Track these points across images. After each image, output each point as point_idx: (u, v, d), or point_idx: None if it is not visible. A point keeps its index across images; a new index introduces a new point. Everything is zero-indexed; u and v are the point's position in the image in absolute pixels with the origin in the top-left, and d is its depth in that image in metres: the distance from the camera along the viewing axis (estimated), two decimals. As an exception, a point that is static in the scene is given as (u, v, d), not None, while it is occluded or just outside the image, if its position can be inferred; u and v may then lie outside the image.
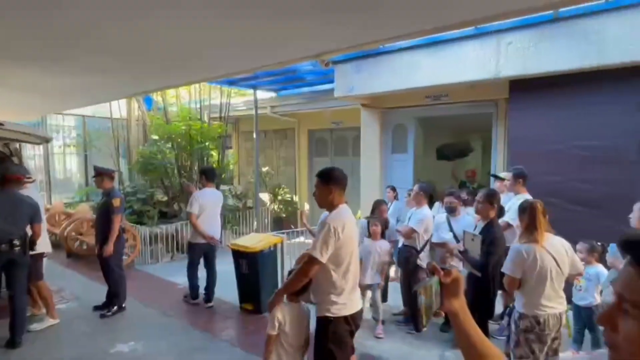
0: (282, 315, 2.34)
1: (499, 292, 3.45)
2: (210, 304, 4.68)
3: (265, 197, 9.30)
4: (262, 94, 8.20)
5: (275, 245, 4.72)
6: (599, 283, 3.09)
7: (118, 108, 9.14)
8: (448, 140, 9.82)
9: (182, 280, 5.57)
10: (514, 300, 2.65)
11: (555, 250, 2.45)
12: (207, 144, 7.87)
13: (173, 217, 8.00)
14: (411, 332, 3.87)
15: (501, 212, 3.11)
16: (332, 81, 6.18)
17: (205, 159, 8.16)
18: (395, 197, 5.52)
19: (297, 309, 2.42)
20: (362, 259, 3.73)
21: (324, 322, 2.25)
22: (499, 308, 3.76)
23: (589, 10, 3.84)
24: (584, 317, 3.21)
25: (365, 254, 3.93)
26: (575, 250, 2.98)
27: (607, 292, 2.86)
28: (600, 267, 3.14)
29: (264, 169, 9.72)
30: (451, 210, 3.80)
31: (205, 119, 8.58)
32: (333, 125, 8.61)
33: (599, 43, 3.86)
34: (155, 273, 6.06)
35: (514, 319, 2.55)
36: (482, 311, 2.92)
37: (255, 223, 8.25)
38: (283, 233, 5.69)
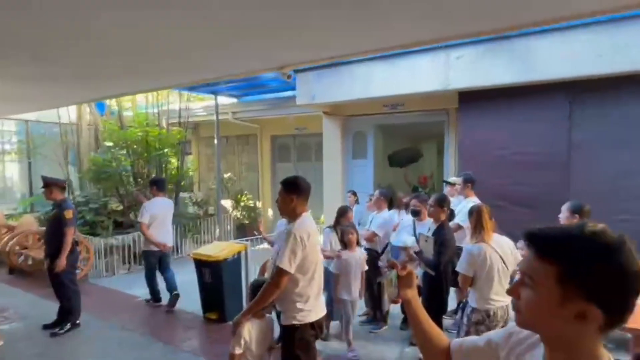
0: (248, 334, 2.33)
1: (453, 289, 3.71)
2: (176, 292, 4.82)
3: (227, 203, 9.18)
4: (223, 100, 8.13)
5: (239, 253, 4.71)
6: None
7: (67, 112, 8.61)
8: (406, 146, 10.28)
9: (141, 291, 5.40)
10: (466, 296, 2.89)
11: (501, 249, 2.72)
12: (165, 150, 7.65)
13: (129, 227, 7.66)
14: (374, 332, 4.04)
15: (452, 215, 3.36)
16: (294, 88, 6.30)
17: (163, 166, 7.91)
18: (357, 202, 5.72)
19: (263, 323, 2.44)
20: (341, 273, 3.61)
21: (290, 330, 2.28)
22: (453, 304, 4.03)
23: (525, 31, 4.27)
24: None
25: (345, 267, 3.64)
26: (517, 248, 3.32)
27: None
28: None
29: (226, 175, 9.59)
30: (416, 214, 3.82)
31: (164, 124, 8.33)
32: (296, 131, 8.71)
33: (532, 61, 4.31)
34: (111, 286, 5.79)
35: (466, 313, 2.78)
36: (436, 307, 3.13)
37: (217, 231, 8.12)
38: (247, 240, 5.68)
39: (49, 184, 4.11)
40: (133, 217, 7.98)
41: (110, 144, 7.80)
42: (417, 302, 1.14)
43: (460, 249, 3.45)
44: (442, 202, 3.20)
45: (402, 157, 6.49)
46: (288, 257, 2.19)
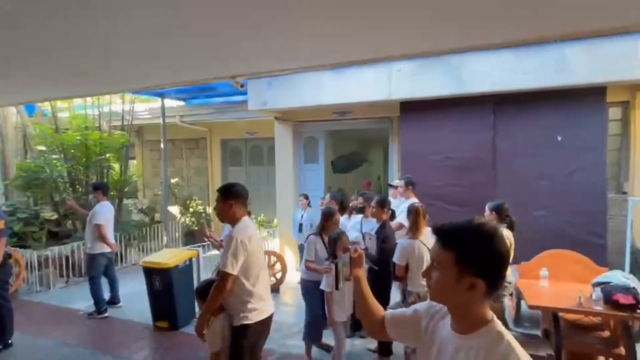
0: (222, 330, 2.40)
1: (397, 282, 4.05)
2: (119, 305, 5.03)
3: (175, 210, 8.89)
4: (170, 102, 7.89)
5: (190, 260, 4.66)
6: None
7: (-11, 113, 7.81)
8: (355, 150, 10.72)
9: (83, 304, 5.11)
10: (407, 284, 3.24)
11: (429, 242, 3.08)
12: (107, 155, 7.25)
13: (66, 237, 7.14)
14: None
15: (392, 215, 3.69)
16: (245, 92, 6.33)
17: (105, 171, 7.49)
18: (309, 205, 5.91)
19: (227, 317, 2.51)
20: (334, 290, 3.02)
21: (242, 329, 2.36)
22: (396, 297, 4.37)
23: (456, 49, 4.77)
24: None
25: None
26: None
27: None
28: None
29: (173, 180, 9.29)
30: (360, 211, 4.13)
31: (105, 127, 7.88)
32: (247, 136, 8.70)
33: (460, 76, 4.82)
34: (47, 301, 5.37)
35: (406, 296, 3.20)
36: (380, 298, 3.44)
37: (165, 238, 7.84)
38: (198, 246, 5.61)
39: None
40: (70, 226, 7.45)
41: (44, 148, 7.22)
42: (365, 280, 1.38)
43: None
44: (383, 203, 3.53)
45: (345, 163, 6.62)
46: (230, 261, 2.28)
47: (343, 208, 4.64)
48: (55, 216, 7.29)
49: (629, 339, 2.91)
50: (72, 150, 7.00)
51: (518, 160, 5.05)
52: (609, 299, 2.85)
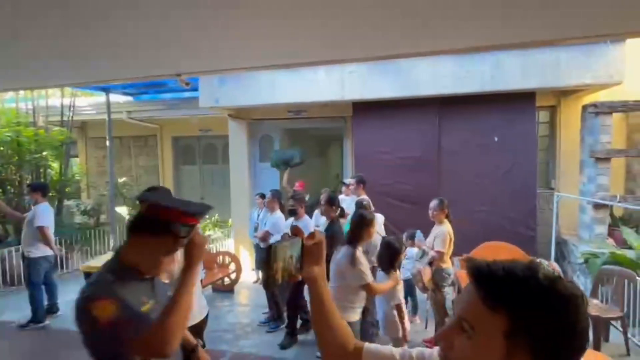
0: None
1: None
2: (59, 313, 4.77)
3: (123, 211, 8.44)
4: (116, 97, 7.47)
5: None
6: (414, 261, 4.09)
7: None
8: (312, 149, 10.79)
9: (16, 315, 4.72)
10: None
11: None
12: (44, 153, 6.71)
13: (-4, 242, 6.54)
14: (272, 331, 4.20)
15: (342, 212, 3.79)
16: (196, 89, 6.15)
17: (41, 170, 6.93)
18: (265, 204, 5.88)
19: None
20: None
21: None
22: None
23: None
24: (405, 287, 4.17)
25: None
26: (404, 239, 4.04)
27: (413, 266, 3.85)
28: (414, 249, 4.16)
29: (121, 180, 8.80)
30: (292, 213, 4.00)
31: (41, 123, 7.28)
32: (200, 133, 8.45)
33: (408, 80, 5.06)
34: (-27, 314, 4.90)
35: None
36: None
37: (112, 241, 7.43)
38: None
39: None
40: (1, 231, 6.83)
41: (-34, 145, 6.53)
42: (324, 281, 0.92)
43: None
44: (332, 201, 3.62)
45: (279, 159, 6.05)
46: None
47: (282, 207, 4.71)
48: (-18, 220, 6.64)
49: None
50: (1, 148, 6.40)
51: (460, 159, 5.40)
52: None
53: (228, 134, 6.94)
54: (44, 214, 4.58)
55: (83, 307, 1.14)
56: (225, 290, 5.55)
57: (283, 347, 3.80)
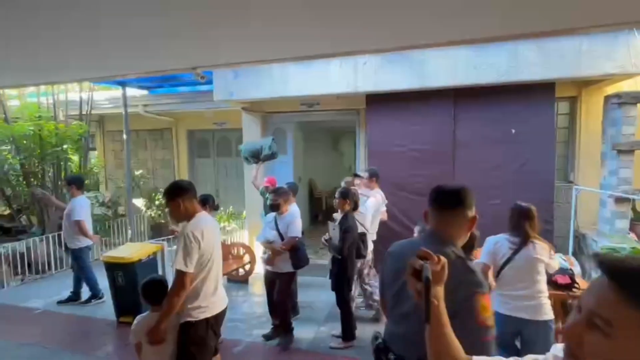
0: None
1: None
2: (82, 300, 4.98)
3: (140, 203, 8.63)
4: (133, 91, 7.58)
5: (154, 254, 4.59)
6: None
7: None
8: (325, 142, 10.79)
9: (39, 303, 4.93)
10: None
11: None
12: (64, 147, 6.90)
13: (21, 232, 6.79)
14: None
15: (355, 206, 3.78)
16: (211, 82, 6.20)
17: (62, 164, 7.13)
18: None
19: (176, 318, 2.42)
20: None
21: (185, 327, 2.30)
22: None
23: (418, 44, 4.91)
24: None
25: None
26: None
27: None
28: None
29: (137, 173, 8.98)
30: (275, 208, 3.80)
31: (61, 117, 7.47)
32: (215, 126, 8.53)
33: (422, 70, 4.97)
34: (2, 300, 5.12)
35: None
36: (344, 284, 3.61)
37: (129, 232, 7.62)
38: (163, 240, 5.52)
39: None
40: (25, 222, 7.09)
41: (-9, 139, 6.77)
42: (443, 303, 0.95)
43: (364, 235, 3.92)
44: (346, 195, 3.62)
45: (247, 151, 5.42)
46: (182, 258, 2.21)
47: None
48: (7, 211, 6.90)
49: (567, 314, 3.19)
50: (25, 142, 6.60)
51: (476, 151, 5.30)
52: (549, 280, 3.10)
53: (242, 127, 6.99)
54: (80, 208, 4.81)
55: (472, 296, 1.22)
56: (240, 280, 5.65)
57: (284, 347, 3.65)
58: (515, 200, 5.10)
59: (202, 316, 2.31)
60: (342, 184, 4.74)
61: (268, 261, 3.78)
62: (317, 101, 6.17)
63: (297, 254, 3.70)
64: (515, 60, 4.66)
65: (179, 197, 2.36)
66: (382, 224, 4.82)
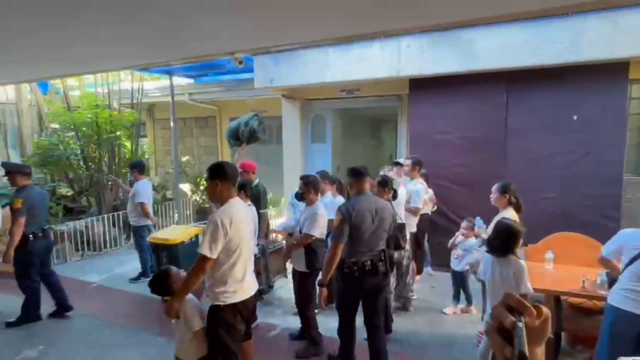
0: (194, 308, 2.40)
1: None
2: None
3: (186, 187, 9.03)
4: (179, 80, 7.88)
5: (196, 236, 4.76)
6: (471, 254, 3.83)
7: (4, 91, 7.96)
8: (364, 130, 10.55)
9: (95, 278, 5.34)
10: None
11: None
12: (118, 133, 7.34)
13: (81, 212, 7.38)
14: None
15: (394, 195, 3.62)
16: (252, 70, 6.25)
17: (116, 149, 7.61)
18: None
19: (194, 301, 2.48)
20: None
21: (214, 310, 2.32)
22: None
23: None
24: (458, 279, 3.96)
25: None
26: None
27: (471, 257, 3.59)
28: (473, 240, 3.88)
29: (184, 159, 9.39)
30: (299, 197, 3.52)
31: (115, 105, 7.95)
32: (255, 114, 8.65)
33: (471, 52, 4.61)
34: (64, 273, 5.57)
35: None
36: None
37: (176, 215, 8.01)
38: (205, 223, 5.70)
39: (12, 171, 3.85)
40: (85, 203, 7.68)
41: (57, 126, 7.36)
42: None
43: (402, 226, 3.76)
44: (385, 183, 3.47)
45: (228, 133, 5.01)
46: (208, 243, 2.22)
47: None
48: (70, 192, 7.51)
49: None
50: (84, 128, 7.11)
51: (530, 140, 4.88)
52: (612, 284, 2.78)
53: (281, 115, 7.01)
54: (143, 192, 5.13)
55: None
56: (277, 266, 5.72)
57: (298, 355, 3.33)
58: (575, 194, 4.69)
59: (230, 301, 2.33)
60: (381, 173, 4.60)
61: (284, 253, 3.66)
62: (357, 87, 6.00)
63: (311, 254, 3.28)
64: (581, 37, 4.17)
65: (218, 178, 2.38)
66: (425, 217, 4.63)
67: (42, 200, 4.03)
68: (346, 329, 2.91)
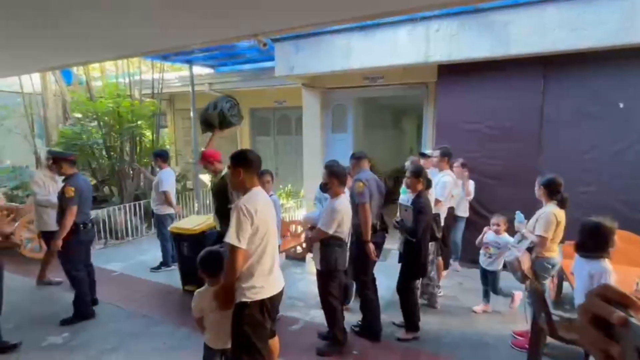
0: (202, 298, 2.37)
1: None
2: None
3: (206, 178, 9.04)
4: (199, 70, 7.82)
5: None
6: (504, 252, 3.57)
7: (30, 81, 8.09)
8: (386, 119, 10.29)
9: (117, 266, 5.38)
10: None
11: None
12: (139, 123, 7.37)
13: (103, 201, 7.48)
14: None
15: (429, 185, 3.43)
16: (272, 58, 6.11)
17: (137, 139, 7.65)
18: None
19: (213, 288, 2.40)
20: None
21: (240, 307, 2.20)
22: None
23: (499, 4, 4.24)
24: (490, 279, 3.73)
25: None
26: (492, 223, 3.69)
27: (511, 253, 3.34)
28: (507, 237, 3.64)
29: (204, 149, 9.38)
30: (323, 188, 3.26)
31: (136, 95, 7.98)
32: (276, 104, 8.54)
33: (505, 35, 4.31)
34: (87, 261, 5.69)
35: None
36: (416, 270, 3.33)
37: (196, 205, 8.03)
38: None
39: (57, 159, 3.83)
40: (107, 192, 7.78)
41: (79, 115, 7.44)
42: None
43: (437, 216, 3.58)
44: (419, 173, 3.28)
45: (200, 118, 4.32)
46: (235, 232, 2.09)
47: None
48: (93, 181, 7.61)
49: None
50: (106, 118, 7.16)
51: (568, 130, 4.57)
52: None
53: (301, 105, 6.87)
54: (167, 180, 5.18)
55: None
56: (297, 258, 5.64)
57: (320, 352, 3.20)
58: (616, 187, 4.37)
59: (257, 297, 2.20)
60: (407, 164, 4.40)
61: (306, 246, 3.55)
62: (380, 75, 5.78)
63: (326, 252, 3.04)
64: (630, 18, 3.82)
65: (241, 166, 2.28)
66: (451, 211, 4.42)
67: (88, 189, 3.97)
68: (372, 289, 3.40)
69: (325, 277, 3.13)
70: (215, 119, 3.94)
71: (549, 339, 2.84)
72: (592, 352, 0.56)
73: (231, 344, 2.27)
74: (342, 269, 3.14)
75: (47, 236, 4.15)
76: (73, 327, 3.71)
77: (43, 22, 2.59)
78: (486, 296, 3.86)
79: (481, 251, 3.76)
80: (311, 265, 5.49)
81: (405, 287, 3.35)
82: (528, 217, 3.35)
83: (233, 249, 2.12)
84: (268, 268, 2.25)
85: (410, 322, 3.39)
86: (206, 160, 3.91)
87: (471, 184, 4.76)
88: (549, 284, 3.86)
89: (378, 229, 3.44)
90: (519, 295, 3.76)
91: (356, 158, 3.71)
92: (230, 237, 2.11)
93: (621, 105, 4.26)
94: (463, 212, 4.81)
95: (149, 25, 2.84)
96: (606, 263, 2.50)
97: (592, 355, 0.56)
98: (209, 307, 2.34)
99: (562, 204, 3.14)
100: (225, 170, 3.77)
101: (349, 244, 3.22)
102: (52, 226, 4.02)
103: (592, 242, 2.50)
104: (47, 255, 4.65)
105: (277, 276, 2.36)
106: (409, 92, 6.06)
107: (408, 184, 3.33)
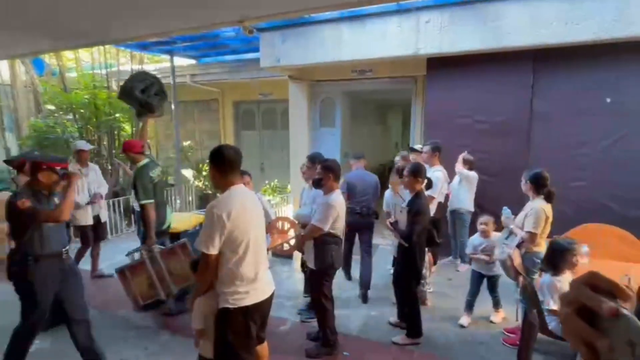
0: (205, 307, 2.18)
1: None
2: None
3: (188, 173, 8.77)
4: (180, 61, 7.51)
5: (200, 225, 4.50)
6: (501, 245, 3.46)
7: (-2, 71, 7.63)
8: (373, 115, 10.20)
9: (100, 264, 5.11)
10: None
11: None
12: (117, 116, 7.03)
13: (81, 198, 7.12)
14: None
15: (429, 184, 3.30)
16: (257, 49, 5.90)
17: (116, 132, 7.31)
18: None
19: (214, 295, 2.22)
20: None
21: (223, 313, 2.07)
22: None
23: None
24: (489, 285, 3.56)
25: None
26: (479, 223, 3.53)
27: (502, 251, 3.28)
28: (496, 234, 3.55)
29: (185, 143, 9.09)
30: (315, 184, 3.14)
31: (114, 87, 7.62)
32: (261, 97, 8.31)
33: (497, 28, 4.25)
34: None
35: None
36: (411, 276, 3.17)
37: (178, 201, 7.77)
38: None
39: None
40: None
41: (53, 107, 7.04)
42: None
43: (438, 220, 3.46)
44: (417, 172, 3.06)
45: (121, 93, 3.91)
46: (205, 239, 1.98)
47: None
48: (68, 177, 7.26)
49: None
50: (82, 110, 6.80)
51: (557, 124, 4.56)
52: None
53: (288, 98, 6.68)
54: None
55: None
56: (285, 255, 5.50)
57: (309, 354, 3.07)
58: (605, 182, 4.40)
59: (241, 304, 2.05)
60: (397, 159, 4.31)
61: (297, 246, 3.44)
62: (370, 67, 5.65)
63: (321, 250, 2.91)
64: (623, 12, 3.80)
65: (215, 164, 2.11)
66: (442, 208, 4.34)
67: None
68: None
69: (319, 276, 2.98)
70: (137, 106, 3.67)
71: (540, 335, 2.81)
72: (574, 345, 0.51)
73: (213, 354, 2.10)
74: (338, 267, 3.01)
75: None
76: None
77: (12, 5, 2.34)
78: (469, 306, 3.68)
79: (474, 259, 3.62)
80: (299, 263, 5.37)
81: (407, 294, 3.23)
82: (516, 212, 3.30)
83: (203, 256, 2.01)
84: (252, 273, 2.09)
85: (413, 328, 3.23)
86: (124, 150, 3.65)
87: (474, 177, 4.56)
88: (537, 279, 3.83)
89: (364, 214, 3.93)
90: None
91: (357, 158, 4.31)
92: (200, 243, 2.00)
93: (608, 100, 4.27)
94: (468, 206, 4.54)
95: (129, 8, 2.62)
96: (556, 279, 2.67)
97: (573, 349, 0.52)
98: (211, 313, 2.15)
99: (548, 198, 3.10)
100: (142, 162, 3.57)
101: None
102: (81, 221, 4.60)
103: (550, 260, 2.75)
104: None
105: (266, 282, 2.20)
106: (397, 86, 5.97)
107: (406, 183, 3.15)
